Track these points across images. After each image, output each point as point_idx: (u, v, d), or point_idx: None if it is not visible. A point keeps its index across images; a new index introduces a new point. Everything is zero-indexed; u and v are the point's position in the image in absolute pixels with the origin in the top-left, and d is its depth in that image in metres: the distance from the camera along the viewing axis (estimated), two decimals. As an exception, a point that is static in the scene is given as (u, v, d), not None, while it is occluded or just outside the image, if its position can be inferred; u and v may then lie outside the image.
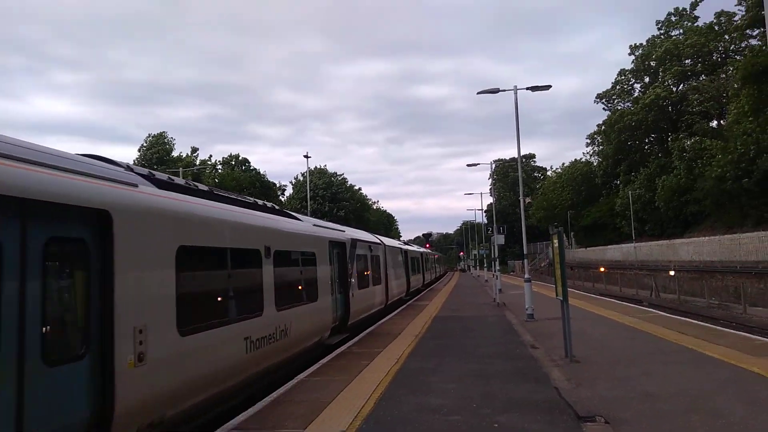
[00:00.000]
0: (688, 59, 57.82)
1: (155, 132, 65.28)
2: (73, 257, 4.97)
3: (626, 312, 19.56)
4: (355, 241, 16.42)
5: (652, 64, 61.61)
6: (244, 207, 9.20)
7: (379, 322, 18.27)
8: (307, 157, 47.74)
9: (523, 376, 9.31)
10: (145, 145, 62.99)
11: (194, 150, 69.58)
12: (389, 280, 22.27)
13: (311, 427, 6.70)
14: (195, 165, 63.45)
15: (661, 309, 24.39)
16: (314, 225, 13.14)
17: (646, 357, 10.80)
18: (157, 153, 61.41)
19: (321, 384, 9.10)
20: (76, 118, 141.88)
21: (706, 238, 41.81)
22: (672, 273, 39.70)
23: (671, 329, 14.36)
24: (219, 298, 7.71)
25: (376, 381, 9.16)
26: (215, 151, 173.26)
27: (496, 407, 7.37)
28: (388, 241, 25.62)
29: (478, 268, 74.47)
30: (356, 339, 14.47)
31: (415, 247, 42.80)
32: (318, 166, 73.90)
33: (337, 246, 14.42)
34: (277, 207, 12.05)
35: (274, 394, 8.44)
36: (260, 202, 10.85)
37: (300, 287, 11.02)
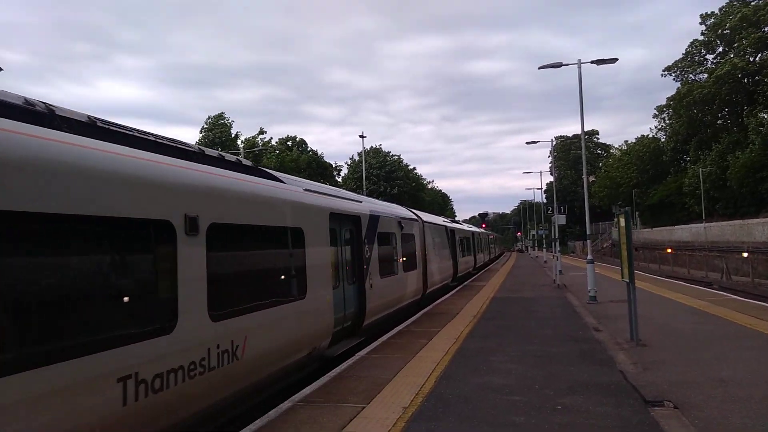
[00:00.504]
0: (767, 26, 53.76)
1: (214, 114, 66.80)
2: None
3: (695, 295, 18.74)
4: (376, 217, 13.01)
5: (726, 32, 57.68)
6: (159, 153, 5.94)
7: (436, 302, 18.32)
8: (362, 137, 48.04)
9: (587, 359, 9.14)
10: (206, 126, 64.76)
11: (261, 131, 70.85)
12: (429, 264, 18.88)
13: (374, 402, 6.87)
14: (258, 146, 64.79)
15: (733, 292, 23.21)
16: (306, 190, 9.38)
17: (718, 341, 10.35)
18: (219, 134, 63.04)
19: (381, 361, 9.26)
20: (142, 102, 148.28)
21: (785, 217, 39.22)
22: (745, 254, 37.58)
23: (745, 313, 13.67)
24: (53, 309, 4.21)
25: (435, 360, 9.24)
26: (273, 132, 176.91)
27: (559, 389, 7.29)
28: (428, 217, 21.99)
29: (536, 248, 73.01)
30: (413, 318, 14.60)
31: (465, 226, 38.11)
32: (373, 146, 74.11)
33: (347, 221, 11.18)
34: (250, 164, 8.49)
35: (337, 370, 8.68)
36: (213, 152, 7.55)
37: (270, 279, 7.69)
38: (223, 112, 66.79)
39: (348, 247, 11.23)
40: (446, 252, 23.63)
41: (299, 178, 11.25)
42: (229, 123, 65.22)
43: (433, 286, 19.67)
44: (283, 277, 8.09)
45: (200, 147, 7.30)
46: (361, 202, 13.02)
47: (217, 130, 63.29)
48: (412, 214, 18.46)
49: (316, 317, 8.78)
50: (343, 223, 10.89)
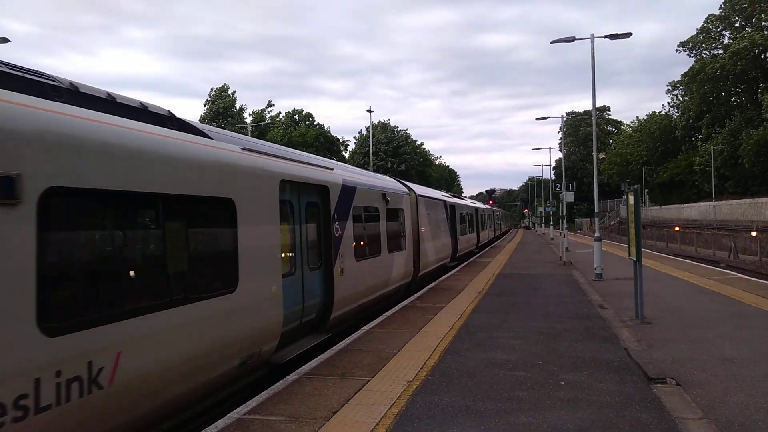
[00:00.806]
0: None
1: (218, 86, 65.88)
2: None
3: (702, 273, 18.71)
4: (351, 188, 10.88)
5: (744, 6, 56.33)
6: None
7: (441, 279, 18.40)
8: (370, 111, 47.68)
9: (591, 336, 9.19)
10: (209, 98, 64.06)
11: (269, 104, 70.29)
12: (422, 243, 16.95)
13: (379, 375, 6.95)
14: (264, 120, 64.34)
15: (741, 271, 23.16)
16: (246, 150, 7.20)
17: (723, 320, 10.36)
18: (221, 105, 62.17)
19: (386, 336, 9.35)
20: (148, 73, 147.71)
21: (796, 197, 38.83)
22: (754, 233, 37.35)
23: (752, 293, 13.65)
24: None
25: (440, 335, 9.32)
26: (279, 106, 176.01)
27: (563, 365, 7.35)
28: (423, 190, 19.72)
29: (543, 225, 72.90)
30: (418, 294, 14.68)
31: (467, 201, 35.73)
32: (381, 121, 73.60)
33: (309, 192, 9.11)
34: (163, 111, 6.31)
35: (343, 343, 8.77)
36: (98, 91, 5.46)
37: (166, 269, 5.46)
38: (226, 84, 66.12)
39: (311, 224, 9.19)
40: (443, 231, 21.40)
41: (239, 135, 8.82)
42: (233, 94, 64.12)
43: (427, 268, 17.63)
44: (193, 264, 5.91)
45: (73, 82, 5.20)
46: (332, 169, 10.51)
47: (220, 102, 62.51)
48: (402, 186, 16.30)
49: (253, 315, 6.77)
50: (303, 194, 8.88)
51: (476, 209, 34.41)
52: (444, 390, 6.36)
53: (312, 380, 6.80)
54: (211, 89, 64.76)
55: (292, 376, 6.96)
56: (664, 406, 5.72)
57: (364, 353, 8.13)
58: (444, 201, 22.82)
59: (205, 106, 63.46)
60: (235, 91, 64.76)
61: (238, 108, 64.54)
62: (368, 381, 6.71)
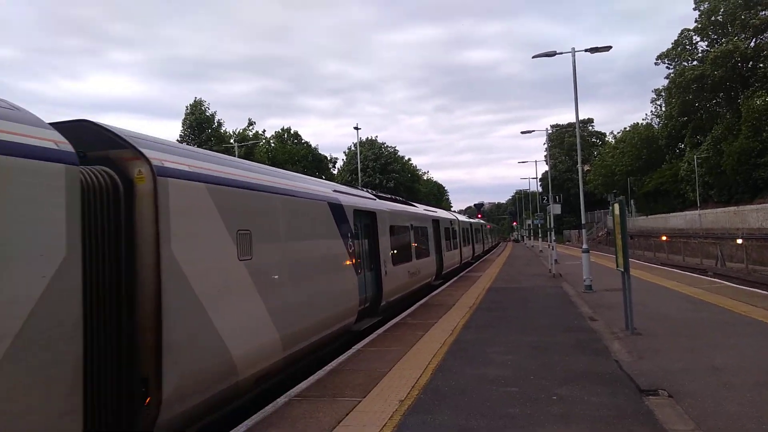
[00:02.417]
0: (764, 10, 53.65)
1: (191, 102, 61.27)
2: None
3: (690, 282, 18.84)
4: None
5: (720, 19, 57.61)
6: None
7: (431, 294, 18.35)
8: (357, 128, 47.88)
9: (582, 349, 9.17)
10: (186, 114, 59.99)
11: (251, 123, 69.63)
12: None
13: (370, 395, 6.87)
14: (248, 139, 63.78)
15: (728, 279, 23.34)
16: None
17: (712, 329, 10.41)
18: (196, 121, 58.61)
19: (377, 354, 9.27)
20: (134, 96, 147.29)
21: (779, 203, 39.40)
22: (740, 241, 37.77)
23: (739, 300, 13.75)
24: None
25: (432, 352, 9.26)
26: (267, 125, 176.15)
27: (555, 379, 7.32)
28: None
29: (532, 238, 73.23)
30: (410, 310, 14.62)
31: (450, 215, 31.94)
32: (369, 137, 73.87)
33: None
34: None
35: (333, 363, 8.68)
36: None
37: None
38: (197, 98, 63.78)
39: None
40: (415, 249, 17.83)
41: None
42: (207, 108, 60.56)
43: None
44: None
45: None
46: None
47: (193, 117, 59.02)
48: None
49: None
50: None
51: (460, 223, 32.06)
52: (436, 409, 6.29)
53: (302, 402, 6.71)
54: (186, 106, 61.25)
55: (282, 399, 6.86)
56: (657, 419, 5.70)
57: (356, 373, 8.05)
58: (428, 216, 21.27)
59: (183, 125, 60.03)
60: (208, 104, 62.32)
61: (216, 123, 62.03)
62: (359, 402, 6.63)
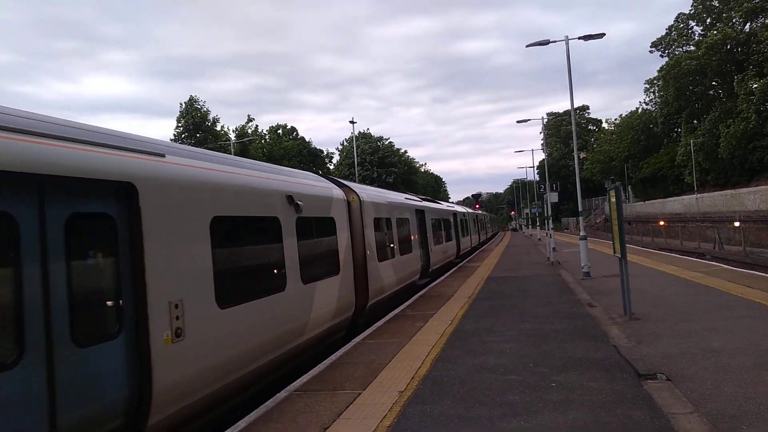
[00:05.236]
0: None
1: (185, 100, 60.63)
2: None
3: (688, 266, 18.89)
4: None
5: (715, 3, 57.47)
6: None
7: (430, 285, 18.38)
8: (352, 122, 47.81)
9: (581, 335, 9.20)
10: (180, 113, 59.57)
11: (250, 119, 69.54)
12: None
13: (370, 388, 6.89)
14: (248, 135, 63.52)
15: (726, 262, 23.43)
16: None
17: (710, 312, 10.44)
18: (191, 119, 58.22)
19: (377, 346, 9.29)
20: (129, 97, 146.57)
21: (776, 185, 39.47)
22: (737, 224, 37.87)
23: (737, 283, 13.80)
24: None
25: (431, 342, 9.29)
26: (262, 122, 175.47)
27: (554, 366, 7.35)
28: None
29: (530, 227, 73.33)
30: (409, 302, 14.65)
31: (443, 205, 29.68)
32: (363, 131, 73.77)
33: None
34: None
35: (333, 357, 8.70)
36: None
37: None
38: (192, 95, 63.46)
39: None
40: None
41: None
42: (202, 106, 60.03)
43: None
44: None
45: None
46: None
47: (189, 117, 58.61)
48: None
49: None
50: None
51: (454, 213, 29.85)
52: (436, 399, 6.31)
53: (302, 396, 6.72)
54: (181, 104, 60.49)
55: (282, 393, 6.88)
56: (656, 403, 5.73)
57: (355, 365, 8.07)
58: (410, 205, 18.52)
59: (178, 123, 59.58)
60: (204, 101, 61.60)
61: (212, 120, 61.52)
62: (360, 394, 6.65)
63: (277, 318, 7.53)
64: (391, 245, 14.78)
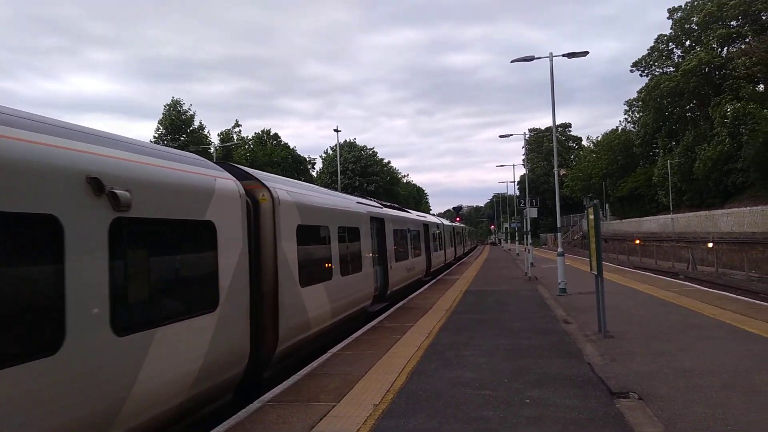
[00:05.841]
0: (733, 21, 55.17)
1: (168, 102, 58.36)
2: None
3: (662, 285, 19.19)
4: (380, 218, 11.17)
5: (693, 27, 59.09)
6: None
7: (410, 297, 18.38)
8: (337, 131, 47.81)
9: (556, 351, 9.27)
10: (163, 115, 57.55)
11: (237, 124, 68.80)
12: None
13: (345, 400, 6.84)
14: (232, 140, 62.87)
15: (699, 282, 23.86)
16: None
17: (683, 332, 10.61)
18: (175, 121, 56.55)
19: (353, 358, 9.24)
20: (112, 96, 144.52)
21: (748, 208, 40.43)
22: (710, 245, 38.67)
23: (709, 303, 14.05)
24: None
25: (407, 355, 9.27)
26: (247, 126, 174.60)
27: (528, 382, 7.38)
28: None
29: (509, 241, 73.90)
30: (388, 313, 14.62)
31: (414, 214, 26.26)
32: (347, 140, 73.76)
33: (375, 221, 9.61)
34: None
35: (308, 368, 8.62)
36: None
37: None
38: (175, 97, 62.65)
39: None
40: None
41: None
42: (188, 110, 58.28)
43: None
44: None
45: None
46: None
47: (171, 120, 56.83)
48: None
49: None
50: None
51: (425, 225, 26.08)
52: (411, 413, 6.29)
53: (275, 408, 6.64)
54: (164, 106, 58.29)
55: (255, 404, 6.79)
56: (627, 421, 5.78)
57: (330, 377, 8.01)
58: (367, 214, 14.95)
59: (160, 125, 57.23)
60: (190, 105, 60.93)
61: (197, 125, 60.41)
62: (334, 406, 6.60)
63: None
64: (328, 264, 11.18)
